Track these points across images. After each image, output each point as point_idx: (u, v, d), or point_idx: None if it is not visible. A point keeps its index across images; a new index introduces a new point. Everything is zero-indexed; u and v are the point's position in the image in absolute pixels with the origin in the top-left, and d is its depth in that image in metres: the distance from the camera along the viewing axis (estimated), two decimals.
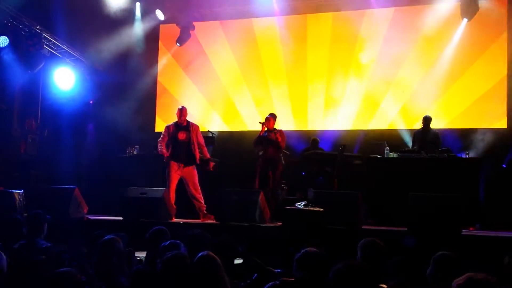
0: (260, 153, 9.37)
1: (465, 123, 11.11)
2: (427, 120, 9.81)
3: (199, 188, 9.05)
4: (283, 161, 9.50)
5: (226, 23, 13.00)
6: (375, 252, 4.32)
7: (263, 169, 9.30)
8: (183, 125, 9.13)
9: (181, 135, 9.05)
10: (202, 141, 9.24)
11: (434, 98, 11.31)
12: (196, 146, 9.06)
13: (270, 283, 3.54)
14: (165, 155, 8.94)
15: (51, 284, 3.25)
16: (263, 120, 9.43)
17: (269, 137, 9.30)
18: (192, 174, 9.04)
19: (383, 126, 11.68)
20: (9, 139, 11.54)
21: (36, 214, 5.75)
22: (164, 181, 9.12)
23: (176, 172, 8.99)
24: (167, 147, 9.06)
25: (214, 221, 8.37)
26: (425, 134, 9.76)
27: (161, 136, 9.29)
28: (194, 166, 9.08)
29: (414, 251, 6.55)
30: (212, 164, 9.28)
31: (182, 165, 9.00)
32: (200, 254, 3.61)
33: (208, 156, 9.29)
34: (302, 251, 3.83)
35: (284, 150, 9.95)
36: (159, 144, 9.09)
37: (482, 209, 8.80)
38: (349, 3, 12.10)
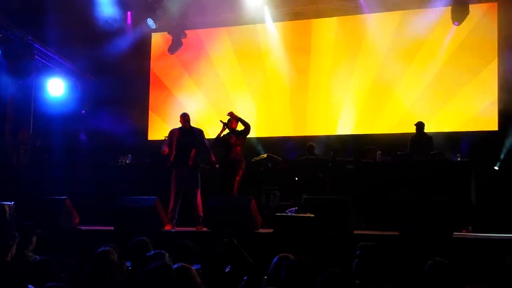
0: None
1: (458, 126, 11.14)
2: (420, 126, 9.91)
3: (199, 195, 8.96)
4: (244, 165, 9.27)
5: (222, 30, 13.06)
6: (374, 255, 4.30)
7: (222, 175, 9.20)
8: (186, 130, 9.09)
9: (184, 140, 9.02)
10: (206, 145, 9.16)
11: (427, 101, 11.36)
12: (195, 151, 9.00)
13: None
14: (166, 153, 8.92)
15: None
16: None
17: (231, 140, 9.17)
18: (193, 180, 8.96)
19: (376, 131, 11.70)
20: (1, 150, 11.52)
21: (24, 227, 5.71)
22: (156, 190, 9.07)
23: (178, 178, 8.95)
24: (170, 152, 9.03)
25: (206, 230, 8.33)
26: (420, 139, 9.82)
27: (165, 139, 9.37)
28: (196, 172, 9.01)
29: (407, 255, 6.54)
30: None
31: (185, 171, 8.95)
32: (174, 266, 3.60)
33: (214, 159, 9.22)
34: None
35: (275, 156, 9.98)
36: (163, 145, 9.08)
37: (474, 212, 8.81)
38: (352, 8, 12.13)
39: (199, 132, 9.16)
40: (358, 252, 4.35)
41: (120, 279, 4.63)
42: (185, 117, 9.14)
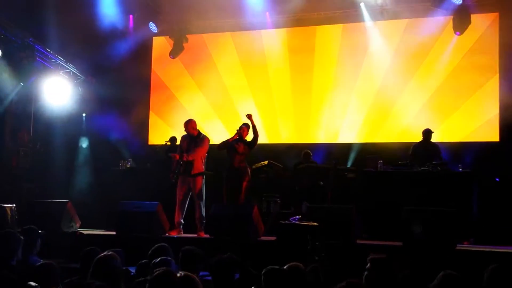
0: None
1: (459, 136, 11.15)
2: (427, 133, 9.83)
3: (203, 201, 8.95)
4: (250, 172, 9.37)
5: (225, 34, 13.02)
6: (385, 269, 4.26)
7: (229, 181, 9.25)
8: (193, 136, 9.08)
9: (191, 146, 9.00)
10: (205, 143, 9.08)
11: (430, 112, 11.30)
12: (200, 158, 9.01)
13: None
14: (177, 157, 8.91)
15: None
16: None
17: (238, 149, 9.20)
18: (196, 186, 8.95)
19: (378, 140, 11.70)
20: (1, 152, 11.47)
21: (29, 230, 5.66)
22: (157, 195, 9.11)
23: (183, 185, 8.95)
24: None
25: (208, 236, 8.31)
26: (426, 147, 9.77)
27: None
28: (200, 178, 8.99)
29: (410, 266, 6.53)
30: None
31: (189, 177, 8.94)
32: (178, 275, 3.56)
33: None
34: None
35: (276, 163, 9.98)
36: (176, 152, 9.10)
37: (476, 223, 8.79)
38: (355, 15, 12.08)
39: (205, 140, 9.10)
40: (368, 265, 4.31)
41: (124, 284, 4.59)
42: (187, 124, 9.10)
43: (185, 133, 9.19)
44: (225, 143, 9.31)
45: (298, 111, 12.35)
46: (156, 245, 5.21)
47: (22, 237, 5.26)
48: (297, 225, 7.07)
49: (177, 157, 8.87)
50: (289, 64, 12.51)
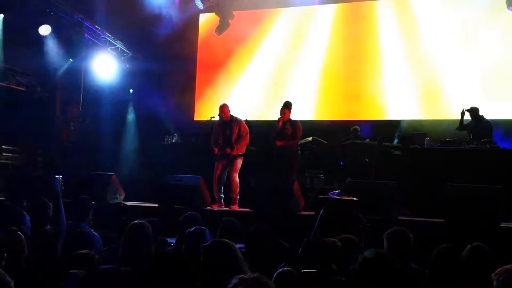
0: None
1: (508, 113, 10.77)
2: (473, 111, 9.61)
3: (236, 178, 9.05)
4: (299, 152, 9.51)
5: (270, 11, 12.97)
6: (401, 242, 4.22)
7: (281, 161, 9.31)
8: (227, 121, 9.18)
9: (225, 132, 9.14)
10: (243, 132, 9.19)
11: (483, 88, 10.94)
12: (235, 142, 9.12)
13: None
14: (215, 151, 9.13)
15: (96, 280, 3.21)
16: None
17: (285, 130, 9.27)
18: (234, 165, 9.07)
19: (424, 117, 11.43)
20: (52, 126, 11.80)
21: (82, 200, 5.81)
22: (201, 169, 9.22)
23: (220, 163, 9.10)
24: (215, 142, 9.24)
25: (248, 210, 8.36)
26: (476, 124, 9.55)
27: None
28: (238, 158, 9.11)
29: (451, 242, 6.40)
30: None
31: (227, 158, 9.09)
32: (211, 241, 3.58)
33: (239, 150, 9.20)
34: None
35: (320, 139, 9.92)
36: (211, 142, 9.33)
37: None
38: None
39: (238, 122, 9.21)
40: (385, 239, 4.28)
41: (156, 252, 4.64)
42: (222, 109, 9.20)
43: None
44: (277, 132, 9.35)
45: (348, 88, 12.15)
46: (187, 213, 5.25)
47: (50, 204, 5.36)
48: (336, 200, 7.01)
49: (229, 150, 9.01)
50: (341, 40, 12.32)
